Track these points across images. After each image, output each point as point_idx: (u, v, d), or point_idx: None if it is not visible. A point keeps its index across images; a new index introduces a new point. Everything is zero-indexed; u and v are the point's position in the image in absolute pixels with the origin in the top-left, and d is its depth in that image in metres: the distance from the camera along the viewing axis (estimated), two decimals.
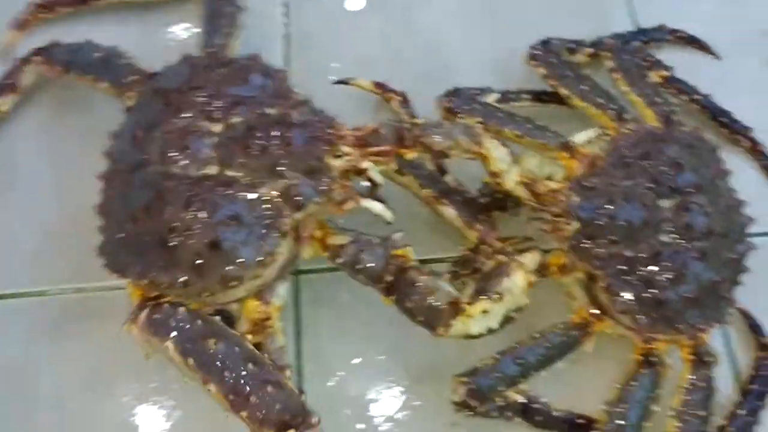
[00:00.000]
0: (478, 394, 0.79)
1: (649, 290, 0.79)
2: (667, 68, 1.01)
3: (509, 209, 0.91)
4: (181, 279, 0.75)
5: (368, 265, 0.79)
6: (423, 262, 0.82)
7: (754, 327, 0.90)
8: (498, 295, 0.76)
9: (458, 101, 0.92)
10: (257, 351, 0.77)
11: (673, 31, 1.08)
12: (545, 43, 0.99)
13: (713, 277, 0.80)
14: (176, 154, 0.78)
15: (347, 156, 0.82)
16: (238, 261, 0.75)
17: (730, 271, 0.83)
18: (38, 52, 0.99)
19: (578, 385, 0.86)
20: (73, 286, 0.92)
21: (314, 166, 0.79)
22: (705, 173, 0.84)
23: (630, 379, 0.82)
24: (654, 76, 1.00)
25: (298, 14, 1.11)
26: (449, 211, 0.90)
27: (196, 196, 0.76)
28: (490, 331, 0.77)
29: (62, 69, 0.98)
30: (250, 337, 0.79)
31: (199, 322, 0.77)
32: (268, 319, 0.81)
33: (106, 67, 0.95)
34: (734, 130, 1.02)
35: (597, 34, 1.04)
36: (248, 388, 0.73)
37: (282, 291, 0.83)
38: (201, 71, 0.86)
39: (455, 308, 0.76)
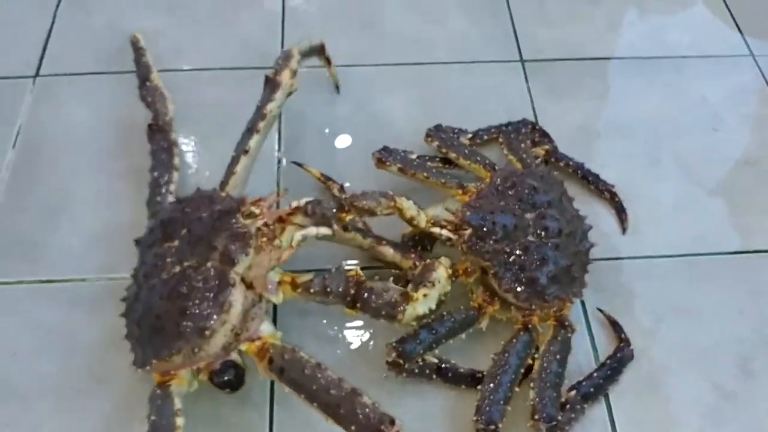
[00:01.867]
0: (404, 355, 1.04)
1: (523, 273, 1.07)
2: (547, 143, 1.36)
3: (427, 247, 1.18)
4: (175, 348, 0.97)
5: (335, 288, 1.00)
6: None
7: (615, 326, 1.17)
8: (431, 283, 1.00)
9: (386, 154, 1.22)
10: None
11: (533, 125, 1.39)
12: (437, 127, 1.32)
13: (566, 262, 1.09)
14: (153, 271, 1.03)
15: (259, 216, 1.03)
16: (203, 315, 0.96)
17: (579, 260, 1.13)
18: None
19: (476, 356, 1.11)
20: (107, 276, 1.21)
21: (235, 231, 1.02)
22: (554, 195, 1.16)
23: (512, 338, 1.08)
24: (540, 149, 1.34)
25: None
26: (388, 250, 1.16)
27: (167, 289, 0.99)
28: (431, 311, 1.00)
29: None
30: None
31: (160, 402, 0.97)
32: (265, 343, 1.00)
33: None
34: (599, 187, 1.34)
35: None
36: None
37: (267, 327, 1.02)
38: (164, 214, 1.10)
39: (405, 297, 0.98)
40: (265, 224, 1.04)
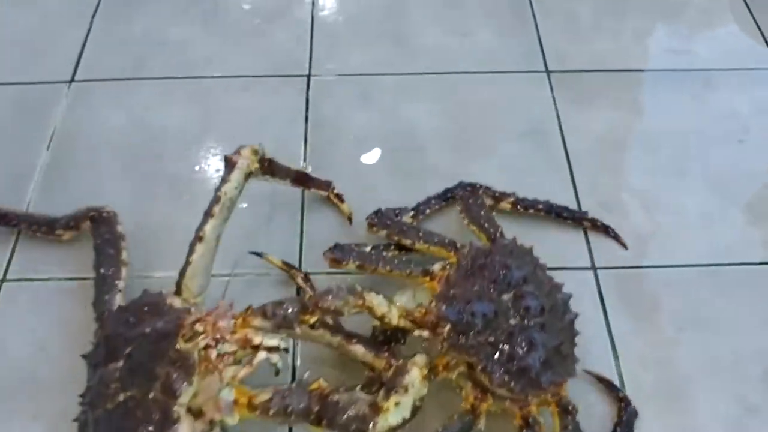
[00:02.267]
0: None
1: (513, 362, 0.98)
2: (510, 195, 1.30)
3: (401, 340, 1.06)
4: None
5: (296, 405, 0.91)
6: None
7: (609, 386, 1.11)
8: (403, 389, 0.91)
9: (340, 254, 1.12)
10: None
11: (473, 185, 1.29)
12: (377, 213, 1.22)
13: (555, 341, 1.01)
14: (98, 401, 0.94)
15: (201, 335, 0.93)
16: None
17: (566, 335, 1.04)
18: None
19: None
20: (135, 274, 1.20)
21: (174, 356, 0.92)
22: (527, 269, 1.07)
23: None
24: (505, 203, 1.29)
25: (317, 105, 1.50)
26: (359, 348, 1.04)
27: (112, 425, 0.92)
28: (405, 420, 0.91)
29: None
30: None
31: None
32: None
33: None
34: (575, 218, 1.31)
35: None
36: None
37: None
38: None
39: (375, 408, 0.89)
40: (215, 339, 0.94)
